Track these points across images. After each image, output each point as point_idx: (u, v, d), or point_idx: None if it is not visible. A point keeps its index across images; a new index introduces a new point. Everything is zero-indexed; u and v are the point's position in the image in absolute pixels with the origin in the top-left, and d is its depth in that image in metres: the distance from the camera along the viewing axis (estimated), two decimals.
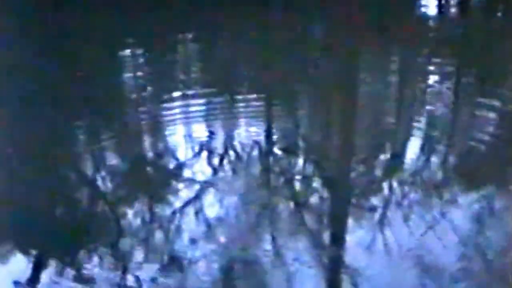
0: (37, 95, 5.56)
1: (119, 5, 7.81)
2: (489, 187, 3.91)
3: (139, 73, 6.37)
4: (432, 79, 5.98)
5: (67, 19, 7.61)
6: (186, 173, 4.17)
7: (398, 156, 4.41)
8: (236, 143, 4.62)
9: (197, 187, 3.95)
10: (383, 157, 4.43)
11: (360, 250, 3.31)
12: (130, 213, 3.72)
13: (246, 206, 3.71)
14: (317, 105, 5.52)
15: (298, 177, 4.12)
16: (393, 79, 6.15)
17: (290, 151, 4.46)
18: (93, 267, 3.24)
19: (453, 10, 8.24)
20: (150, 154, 4.61)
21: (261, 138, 4.73)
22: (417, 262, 3.19)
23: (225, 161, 4.33)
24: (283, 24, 7.50)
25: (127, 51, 6.84)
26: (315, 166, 4.30)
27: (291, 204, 3.76)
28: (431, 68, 6.23)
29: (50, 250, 3.43)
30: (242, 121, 5.07)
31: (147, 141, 4.81)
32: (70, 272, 3.22)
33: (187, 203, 3.77)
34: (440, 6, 8.16)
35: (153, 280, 3.13)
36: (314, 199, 3.82)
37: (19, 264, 3.31)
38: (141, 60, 6.72)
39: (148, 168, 4.43)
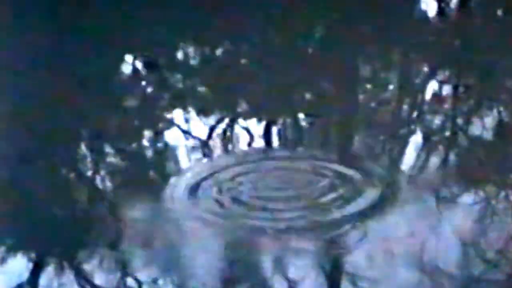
0: (37, 94, 5.56)
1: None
2: (489, 187, 3.91)
3: (141, 74, 6.38)
4: (432, 78, 5.98)
5: (68, 18, 7.61)
6: (186, 172, 4.16)
7: (397, 156, 4.41)
8: (236, 143, 4.63)
9: (197, 186, 3.94)
10: (382, 157, 4.43)
11: (360, 250, 3.31)
12: (130, 213, 3.72)
13: (247, 207, 3.71)
14: (315, 103, 5.53)
15: (298, 176, 4.11)
16: (393, 79, 6.15)
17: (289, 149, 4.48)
18: (93, 267, 3.25)
19: (453, 10, 8.24)
20: (150, 154, 4.61)
21: (262, 138, 4.74)
22: (417, 262, 3.19)
23: (225, 161, 4.33)
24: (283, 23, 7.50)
25: (130, 51, 6.83)
26: (315, 165, 4.29)
27: (291, 204, 3.76)
28: (431, 67, 6.23)
29: (50, 250, 3.43)
30: (242, 121, 5.08)
31: (147, 141, 4.81)
32: (70, 272, 3.22)
33: (187, 203, 3.77)
34: (440, 5, 8.17)
35: (154, 281, 3.14)
36: (314, 199, 3.82)
37: (19, 264, 3.31)
38: (144, 60, 6.71)
39: (149, 168, 4.43)
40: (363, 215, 3.57)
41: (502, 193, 3.87)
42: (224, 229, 3.52)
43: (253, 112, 5.22)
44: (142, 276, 3.17)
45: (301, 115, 5.19)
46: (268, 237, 3.42)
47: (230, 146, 4.64)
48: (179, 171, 4.19)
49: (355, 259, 3.24)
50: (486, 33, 6.89)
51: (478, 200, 3.75)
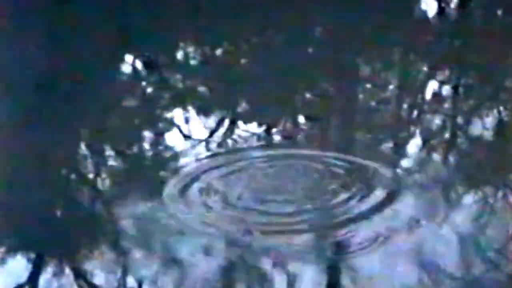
0: (37, 94, 5.57)
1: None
2: (489, 187, 3.91)
3: (141, 75, 6.39)
4: (432, 78, 5.98)
5: (68, 18, 7.61)
6: (186, 172, 4.16)
7: (397, 156, 4.41)
8: (236, 143, 4.63)
9: (197, 186, 3.94)
10: (382, 156, 4.43)
11: (359, 250, 3.31)
12: (130, 213, 3.72)
13: (247, 207, 3.71)
14: (316, 104, 5.53)
15: (297, 175, 4.11)
16: (393, 79, 6.16)
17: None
18: (92, 267, 3.25)
19: (453, 10, 8.25)
20: (150, 154, 4.62)
21: (262, 137, 4.75)
22: (417, 262, 3.19)
23: (226, 160, 4.33)
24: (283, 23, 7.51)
25: (130, 51, 6.84)
26: (315, 164, 4.30)
27: (291, 203, 3.75)
28: (431, 67, 6.23)
29: (50, 249, 3.43)
30: (241, 120, 5.08)
31: (147, 141, 4.82)
32: (69, 272, 3.22)
33: (187, 203, 3.77)
34: (440, 5, 8.18)
35: (153, 281, 3.13)
36: (314, 197, 3.81)
37: (19, 264, 3.31)
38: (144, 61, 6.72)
39: (148, 168, 4.43)
40: (364, 215, 3.57)
41: (502, 193, 3.88)
42: (224, 230, 3.52)
43: (253, 112, 5.22)
44: (142, 276, 3.17)
45: (301, 115, 5.20)
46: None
47: (230, 145, 4.64)
48: (179, 170, 4.19)
49: (356, 259, 3.24)
50: (486, 33, 6.90)
51: (478, 199, 3.75)
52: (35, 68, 6.22)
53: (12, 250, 3.45)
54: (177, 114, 5.24)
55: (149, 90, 6.04)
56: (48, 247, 3.46)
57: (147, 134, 4.92)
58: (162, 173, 4.23)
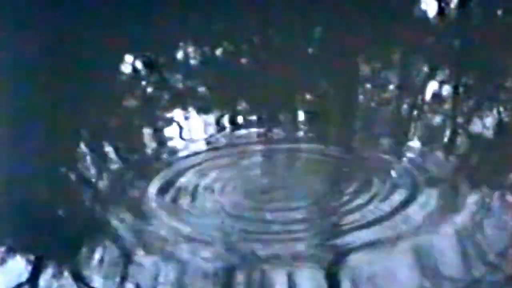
0: (37, 94, 5.57)
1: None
2: (489, 187, 3.91)
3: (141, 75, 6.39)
4: (432, 78, 5.98)
5: (68, 18, 7.61)
6: (186, 172, 4.16)
7: (397, 155, 4.41)
8: (236, 142, 4.64)
9: (197, 186, 3.95)
10: (382, 156, 4.43)
11: (360, 250, 3.31)
12: (130, 213, 3.72)
13: (245, 206, 3.72)
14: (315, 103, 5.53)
15: (297, 174, 4.11)
16: (393, 79, 6.15)
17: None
18: (92, 267, 3.25)
19: (453, 10, 8.25)
20: (150, 154, 4.62)
21: (261, 135, 4.75)
22: (417, 262, 3.19)
23: (226, 159, 4.33)
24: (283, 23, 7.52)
25: (130, 51, 6.84)
26: (314, 162, 4.30)
27: (291, 202, 3.75)
28: (430, 67, 6.23)
29: (50, 250, 3.44)
30: (241, 119, 5.09)
31: (146, 142, 4.82)
32: (69, 272, 3.23)
33: (187, 203, 3.78)
34: (440, 5, 8.18)
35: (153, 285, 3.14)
36: (314, 196, 3.82)
37: (19, 264, 3.31)
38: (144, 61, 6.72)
39: (147, 168, 4.43)
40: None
41: (502, 193, 3.87)
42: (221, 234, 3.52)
43: (253, 112, 5.23)
44: (141, 276, 3.17)
45: (301, 114, 5.21)
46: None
47: (229, 145, 4.65)
48: (177, 169, 4.19)
49: (355, 261, 3.25)
50: (486, 33, 6.90)
51: (477, 200, 3.75)
52: (35, 68, 6.23)
53: (12, 250, 3.46)
54: (177, 114, 5.24)
55: (149, 90, 6.04)
56: (48, 247, 3.46)
57: (147, 134, 4.92)
58: (162, 172, 4.23)
